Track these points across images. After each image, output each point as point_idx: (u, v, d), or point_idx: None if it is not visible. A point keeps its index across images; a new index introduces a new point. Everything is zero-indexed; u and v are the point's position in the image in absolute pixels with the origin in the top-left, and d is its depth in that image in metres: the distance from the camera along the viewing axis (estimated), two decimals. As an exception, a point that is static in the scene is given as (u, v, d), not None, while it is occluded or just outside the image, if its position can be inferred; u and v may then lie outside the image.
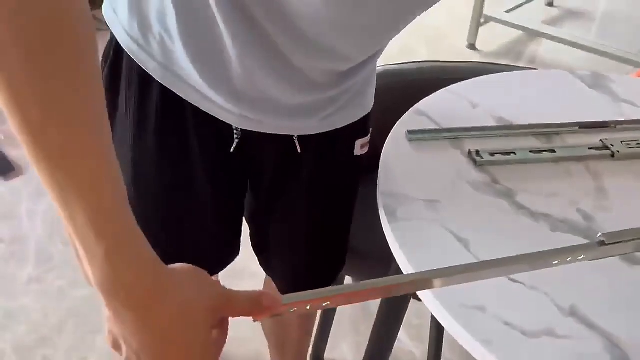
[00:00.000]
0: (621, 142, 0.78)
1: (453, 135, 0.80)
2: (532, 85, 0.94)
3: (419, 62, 1.09)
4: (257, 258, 0.90)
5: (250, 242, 0.88)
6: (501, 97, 0.90)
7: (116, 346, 0.41)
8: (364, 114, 0.73)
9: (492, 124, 0.84)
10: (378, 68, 1.06)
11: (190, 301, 0.39)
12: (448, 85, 0.92)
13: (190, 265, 0.41)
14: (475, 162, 0.75)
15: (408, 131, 0.80)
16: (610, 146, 0.77)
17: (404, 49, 2.46)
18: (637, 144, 0.78)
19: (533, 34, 2.51)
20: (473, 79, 0.94)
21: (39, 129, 0.34)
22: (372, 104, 0.75)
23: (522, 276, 0.59)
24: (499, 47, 2.58)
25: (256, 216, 0.83)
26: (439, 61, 1.08)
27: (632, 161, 0.77)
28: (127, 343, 0.40)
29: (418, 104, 0.88)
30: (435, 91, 0.90)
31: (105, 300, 0.38)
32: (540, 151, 0.77)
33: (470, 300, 0.57)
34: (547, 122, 0.83)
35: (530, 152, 0.77)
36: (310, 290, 0.43)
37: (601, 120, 0.83)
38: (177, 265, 0.40)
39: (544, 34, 2.42)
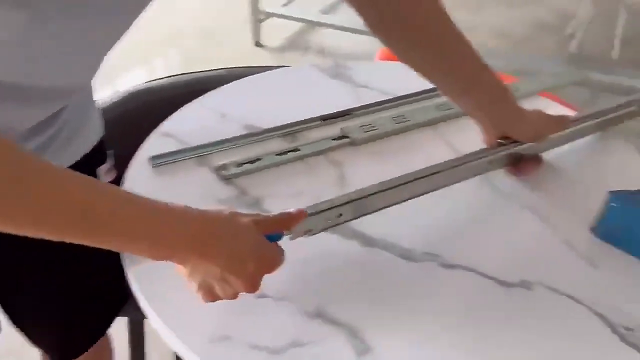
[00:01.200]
0: (359, 127, 0.82)
1: (198, 152, 0.76)
2: (279, 85, 0.94)
3: (171, 76, 1.04)
4: (19, 333, 0.78)
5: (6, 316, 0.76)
6: (250, 102, 0.89)
7: (210, 295, 0.51)
8: (97, 138, 0.72)
9: (242, 132, 0.82)
10: (128, 89, 1.00)
11: (233, 216, 0.52)
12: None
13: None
14: (222, 177, 0.73)
15: (150, 157, 0.75)
16: (349, 134, 0.80)
17: (191, 58, 2.40)
18: (372, 127, 0.82)
19: (313, 24, 2.61)
20: (221, 88, 0.91)
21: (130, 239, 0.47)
22: (102, 125, 0.74)
23: (270, 290, 0.57)
24: (284, 41, 2.64)
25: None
26: (190, 72, 1.04)
27: (368, 144, 0.80)
28: (213, 277, 0.50)
29: (162, 124, 0.83)
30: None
31: (184, 263, 0.50)
32: (286, 152, 0.77)
33: (215, 333, 0.54)
34: (293, 121, 0.83)
35: (277, 155, 0.76)
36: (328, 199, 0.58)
37: (342, 109, 0.86)
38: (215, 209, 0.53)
39: (322, 24, 2.53)
